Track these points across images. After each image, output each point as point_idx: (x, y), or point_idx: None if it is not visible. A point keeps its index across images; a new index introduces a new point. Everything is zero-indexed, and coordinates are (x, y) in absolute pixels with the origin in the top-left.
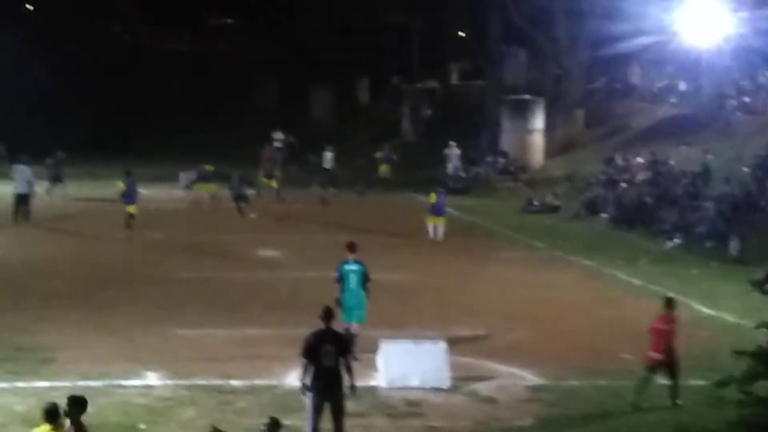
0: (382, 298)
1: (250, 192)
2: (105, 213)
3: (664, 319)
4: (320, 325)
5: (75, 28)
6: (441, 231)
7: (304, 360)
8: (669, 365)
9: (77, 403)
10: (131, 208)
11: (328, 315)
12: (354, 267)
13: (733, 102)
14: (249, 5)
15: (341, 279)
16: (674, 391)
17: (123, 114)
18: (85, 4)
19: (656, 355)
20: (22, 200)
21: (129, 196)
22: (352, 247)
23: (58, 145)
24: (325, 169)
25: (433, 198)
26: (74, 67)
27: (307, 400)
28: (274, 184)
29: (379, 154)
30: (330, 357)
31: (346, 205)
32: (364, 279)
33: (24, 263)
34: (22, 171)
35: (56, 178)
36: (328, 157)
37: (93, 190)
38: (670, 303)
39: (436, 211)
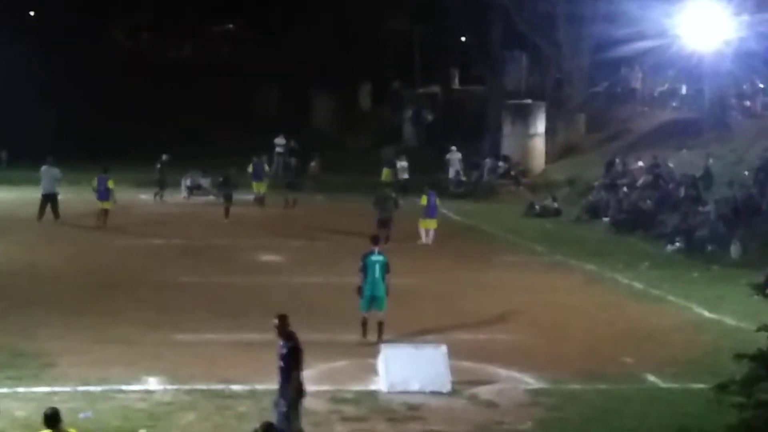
0: None
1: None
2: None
3: None
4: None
5: (77, 35)
6: (431, 234)
7: (298, 373)
8: None
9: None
10: (102, 204)
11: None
12: (379, 258)
13: (735, 106)
14: (251, 12)
15: (365, 269)
16: None
17: (124, 121)
18: (87, 12)
19: None
20: (48, 200)
21: (100, 192)
22: (375, 240)
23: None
24: (399, 180)
25: (424, 200)
26: (75, 74)
27: (285, 408)
28: (263, 188)
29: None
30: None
31: (346, 209)
32: (386, 270)
33: (26, 268)
34: (49, 172)
35: (161, 183)
36: (404, 166)
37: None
38: None
39: (429, 213)
